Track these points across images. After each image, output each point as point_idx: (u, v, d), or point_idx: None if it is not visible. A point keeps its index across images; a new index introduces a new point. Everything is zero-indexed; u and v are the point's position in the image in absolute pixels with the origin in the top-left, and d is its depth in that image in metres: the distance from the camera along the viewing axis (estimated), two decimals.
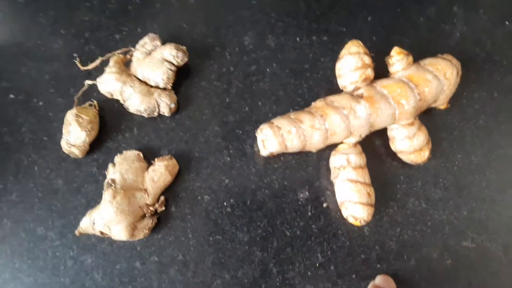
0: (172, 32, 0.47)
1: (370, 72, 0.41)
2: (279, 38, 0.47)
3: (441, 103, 0.43)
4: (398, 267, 0.42)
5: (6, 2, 0.48)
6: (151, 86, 0.43)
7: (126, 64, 0.44)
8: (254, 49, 0.47)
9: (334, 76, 0.43)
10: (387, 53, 0.42)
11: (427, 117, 0.45)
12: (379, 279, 0.41)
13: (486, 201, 0.44)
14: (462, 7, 0.49)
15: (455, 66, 0.41)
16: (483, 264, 0.43)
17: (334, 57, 0.44)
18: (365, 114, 0.40)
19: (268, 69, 0.46)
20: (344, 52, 0.41)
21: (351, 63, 0.40)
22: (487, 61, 0.47)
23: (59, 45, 0.47)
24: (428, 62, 0.42)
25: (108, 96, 0.44)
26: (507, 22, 0.48)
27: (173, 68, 0.43)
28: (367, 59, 0.40)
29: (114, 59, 0.43)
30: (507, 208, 0.44)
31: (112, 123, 0.45)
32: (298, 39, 0.47)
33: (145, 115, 0.43)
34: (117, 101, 0.44)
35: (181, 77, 0.45)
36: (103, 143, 0.44)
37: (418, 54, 0.43)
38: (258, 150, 0.43)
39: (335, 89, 0.44)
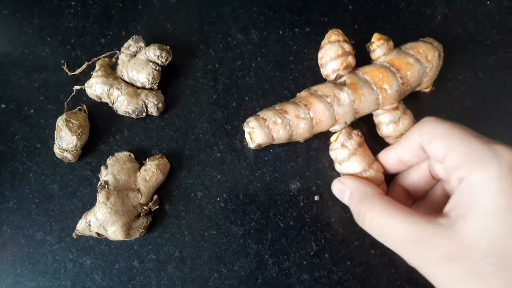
0: (156, 33, 0.48)
1: (351, 60, 0.41)
2: (262, 32, 0.48)
3: (426, 86, 0.44)
4: (392, 252, 0.43)
5: None
6: (138, 87, 0.44)
7: (112, 67, 0.45)
8: (238, 45, 0.47)
9: (318, 67, 0.44)
10: (369, 40, 0.43)
11: (412, 101, 0.45)
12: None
13: None
14: None
15: (437, 48, 0.42)
16: None
17: (318, 48, 0.45)
18: (348, 100, 0.40)
19: (253, 64, 0.47)
20: (324, 41, 0.42)
21: (332, 51, 0.41)
22: (470, 42, 0.48)
23: (46, 53, 0.47)
24: (409, 46, 0.42)
25: (97, 100, 0.44)
26: (488, 2, 0.48)
27: (157, 68, 0.43)
28: (347, 47, 0.41)
29: (100, 63, 0.44)
30: None
31: (103, 126, 0.45)
32: (280, 32, 0.48)
33: (134, 116, 0.44)
34: (106, 104, 0.45)
35: (168, 77, 0.46)
36: (95, 147, 0.45)
37: (400, 39, 0.43)
38: (247, 144, 0.44)
39: (320, 79, 0.44)
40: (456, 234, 0.26)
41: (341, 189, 0.39)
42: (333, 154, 0.41)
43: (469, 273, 0.25)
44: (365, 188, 0.35)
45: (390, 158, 0.39)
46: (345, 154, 0.39)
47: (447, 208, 0.28)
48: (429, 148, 0.32)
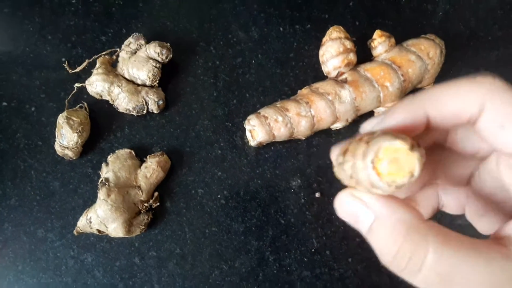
0: (156, 30, 0.47)
1: (352, 57, 0.41)
2: (262, 29, 0.48)
3: (427, 83, 0.43)
4: None
5: None
6: (138, 85, 0.44)
7: (112, 65, 0.45)
8: (238, 42, 0.47)
9: (319, 64, 0.44)
10: (371, 37, 0.43)
11: None
12: None
13: None
14: None
15: (438, 45, 0.42)
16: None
17: (318, 45, 0.44)
18: (349, 98, 0.40)
19: (253, 61, 0.47)
20: (325, 38, 0.42)
21: (333, 48, 0.40)
22: (472, 38, 0.47)
23: (47, 51, 0.47)
24: (410, 42, 0.42)
25: (97, 97, 0.44)
26: None
27: (158, 65, 0.43)
28: (349, 44, 0.41)
29: (101, 60, 0.44)
30: None
31: (104, 124, 0.45)
32: (281, 28, 0.48)
33: (135, 113, 0.44)
34: (107, 102, 0.45)
35: (168, 74, 0.46)
36: (96, 144, 0.45)
37: (402, 36, 0.43)
38: (248, 141, 0.44)
39: (321, 76, 0.44)
40: None
41: (356, 212, 0.22)
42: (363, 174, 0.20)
43: None
44: (402, 213, 0.20)
45: (416, 116, 0.22)
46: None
47: None
48: (497, 133, 0.20)
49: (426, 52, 0.41)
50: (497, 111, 0.20)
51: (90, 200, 0.44)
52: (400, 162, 0.18)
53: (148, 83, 0.43)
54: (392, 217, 0.20)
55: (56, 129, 0.43)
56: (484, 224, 0.26)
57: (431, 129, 0.22)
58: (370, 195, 0.21)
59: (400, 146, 0.18)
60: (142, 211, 0.42)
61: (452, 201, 0.28)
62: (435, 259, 0.19)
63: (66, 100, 0.45)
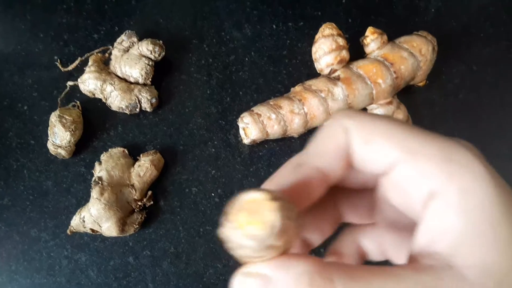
0: (149, 28, 0.47)
1: (345, 54, 0.41)
2: (255, 26, 0.48)
3: (419, 80, 0.44)
4: None
5: None
6: (131, 83, 0.44)
7: (105, 63, 0.45)
8: (231, 39, 0.47)
9: (312, 61, 0.44)
10: (363, 34, 0.43)
11: (407, 95, 0.45)
12: None
13: None
14: None
15: (431, 41, 0.42)
16: None
17: (311, 42, 0.45)
18: (342, 95, 0.40)
19: (246, 58, 0.47)
20: (318, 35, 0.42)
21: (326, 45, 0.41)
22: (464, 35, 0.47)
23: (39, 49, 0.47)
24: (403, 39, 0.42)
25: (90, 95, 0.44)
26: None
27: (150, 63, 0.43)
28: (341, 41, 0.41)
29: (93, 58, 0.44)
30: None
31: (97, 122, 0.45)
32: (274, 26, 0.48)
33: (127, 112, 0.44)
34: (100, 100, 0.45)
35: (161, 72, 0.46)
36: (89, 143, 0.45)
37: (394, 33, 0.43)
38: (242, 139, 0.44)
39: (314, 74, 0.44)
40: (461, 277, 0.18)
41: (256, 286, 0.19)
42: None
43: None
44: (301, 265, 0.18)
45: (310, 177, 0.21)
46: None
47: (422, 240, 0.19)
48: (366, 152, 0.20)
49: (419, 49, 0.41)
50: (358, 132, 0.20)
51: (83, 199, 0.44)
52: (260, 213, 0.17)
53: (141, 81, 0.43)
54: (291, 274, 0.18)
55: (49, 128, 0.43)
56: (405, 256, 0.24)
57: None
58: (262, 263, 0.18)
59: (259, 197, 0.17)
60: (135, 210, 0.42)
61: (372, 243, 0.27)
62: None
63: (59, 99, 0.45)
